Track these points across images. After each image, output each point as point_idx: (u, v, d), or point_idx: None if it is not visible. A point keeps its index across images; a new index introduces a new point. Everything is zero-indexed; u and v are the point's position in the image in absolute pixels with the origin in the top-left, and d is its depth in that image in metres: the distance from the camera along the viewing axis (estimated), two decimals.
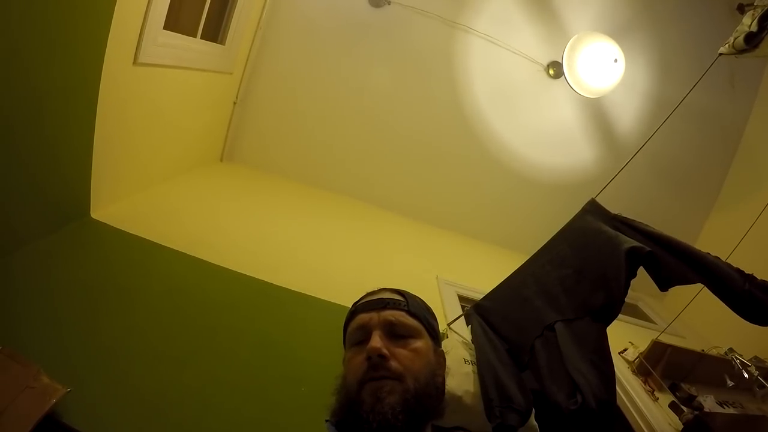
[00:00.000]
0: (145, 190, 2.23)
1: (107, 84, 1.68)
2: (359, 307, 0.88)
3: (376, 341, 0.77)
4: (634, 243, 1.38)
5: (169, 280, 1.70)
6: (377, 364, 0.75)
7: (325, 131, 3.16)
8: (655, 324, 2.85)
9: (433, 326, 0.88)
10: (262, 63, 3.02)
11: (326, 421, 0.76)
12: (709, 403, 1.90)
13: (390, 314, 0.83)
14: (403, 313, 0.84)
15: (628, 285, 1.35)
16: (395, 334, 0.81)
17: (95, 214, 1.87)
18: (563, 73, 2.65)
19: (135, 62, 1.82)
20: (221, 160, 3.14)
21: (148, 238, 1.85)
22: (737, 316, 1.32)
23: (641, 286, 2.96)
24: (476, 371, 1.30)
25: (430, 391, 0.76)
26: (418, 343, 0.80)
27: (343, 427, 0.74)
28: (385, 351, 0.76)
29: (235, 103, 3.02)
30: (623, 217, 1.52)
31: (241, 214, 2.49)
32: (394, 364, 0.75)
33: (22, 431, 0.94)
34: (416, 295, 0.93)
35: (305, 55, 3.02)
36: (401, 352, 0.78)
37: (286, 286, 1.86)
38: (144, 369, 1.29)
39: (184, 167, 2.63)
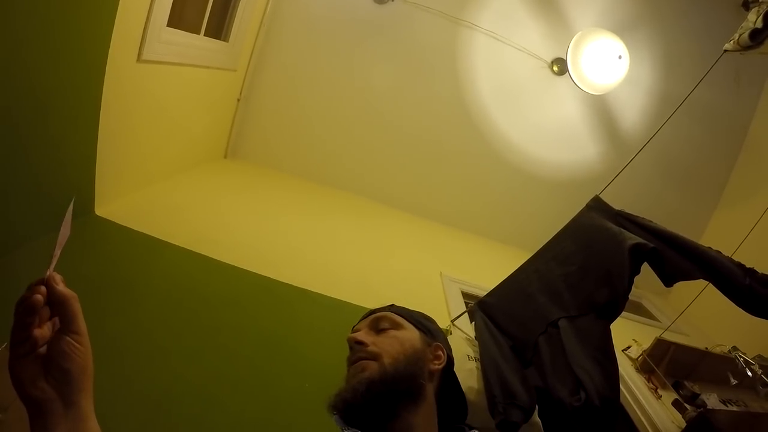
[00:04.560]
0: (150, 186, 2.24)
1: (111, 81, 1.68)
2: (354, 325, 0.96)
3: (358, 334, 0.87)
4: (638, 239, 1.38)
5: (173, 277, 1.70)
6: (356, 349, 0.84)
7: (328, 128, 3.16)
8: (659, 321, 2.85)
9: (423, 323, 0.93)
10: (265, 60, 3.02)
11: (333, 414, 0.77)
12: (712, 401, 1.90)
13: (374, 315, 0.92)
14: (387, 312, 0.92)
15: (631, 281, 1.35)
16: (379, 328, 0.88)
17: (99, 211, 1.87)
18: (567, 70, 2.64)
19: (139, 59, 1.82)
20: (225, 157, 3.14)
21: (152, 234, 1.85)
22: (741, 314, 1.32)
23: (645, 284, 2.96)
24: (480, 368, 1.31)
25: (408, 373, 0.80)
26: (400, 332, 0.87)
27: (347, 416, 0.76)
28: (362, 338, 0.85)
29: (238, 99, 3.02)
30: (627, 214, 1.52)
31: (245, 210, 2.49)
32: (371, 347, 0.83)
33: (26, 427, 0.96)
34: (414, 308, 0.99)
35: (309, 52, 3.02)
36: (381, 338, 0.85)
37: (290, 283, 1.86)
38: (148, 365, 1.30)
39: (188, 164, 2.64)
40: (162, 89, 2.11)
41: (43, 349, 0.50)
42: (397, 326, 0.88)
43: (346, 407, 0.76)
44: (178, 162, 2.54)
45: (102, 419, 0.53)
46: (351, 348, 0.86)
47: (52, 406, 0.49)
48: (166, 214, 2.08)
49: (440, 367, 0.87)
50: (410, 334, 0.87)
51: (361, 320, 0.95)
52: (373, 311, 0.95)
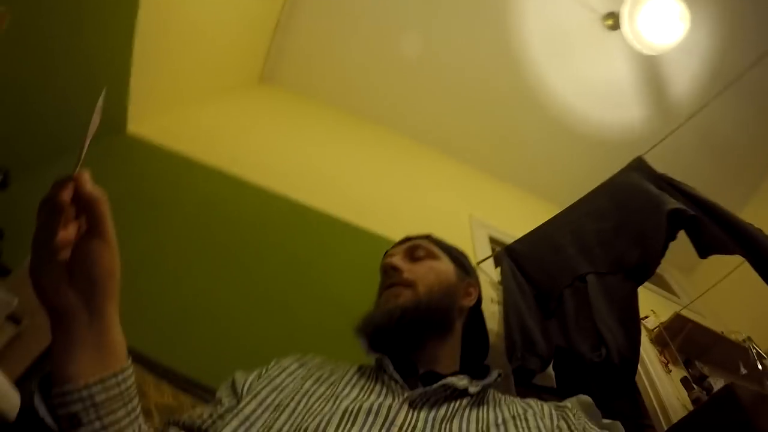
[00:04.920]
0: (183, 108, 2.20)
1: None
2: (389, 249, 0.92)
3: (394, 258, 0.84)
4: (678, 205, 1.33)
5: (202, 197, 1.71)
6: (391, 275, 0.81)
7: (369, 60, 3.02)
8: (679, 297, 2.82)
9: (458, 258, 0.90)
10: None
11: (361, 338, 0.77)
12: (719, 386, 1.88)
13: (411, 243, 0.88)
14: (424, 241, 0.88)
15: (666, 246, 1.32)
16: (415, 256, 0.85)
17: (131, 129, 1.87)
18: (622, 25, 2.49)
19: None
20: (260, 82, 3.06)
21: (183, 154, 1.85)
22: (759, 306, 1.29)
23: (671, 258, 2.88)
24: (501, 312, 1.30)
25: (442, 306, 0.78)
26: (436, 263, 0.84)
27: (374, 341, 0.76)
28: (398, 264, 0.82)
29: (277, 23, 2.90)
30: (669, 178, 1.46)
31: (278, 136, 2.45)
32: (407, 274, 0.80)
33: (47, 336, 0.99)
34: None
35: None
36: (417, 266, 0.82)
37: (319, 209, 1.86)
38: (172, 283, 1.33)
39: (222, 87, 2.59)
40: (198, 8, 2.04)
41: (67, 253, 0.46)
42: (433, 257, 0.86)
43: (375, 331, 0.75)
44: (212, 85, 2.49)
45: (124, 334, 0.51)
46: (385, 272, 0.84)
47: (76, 314, 0.46)
48: (199, 136, 2.07)
49: (471, 304, 0.85)
50: (446, 267, 0.85)
51: (396, 245, 0.91)
52: (409, 238, 0.91)
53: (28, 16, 1.24)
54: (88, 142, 0.48)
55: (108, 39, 1.59)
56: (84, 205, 0.46)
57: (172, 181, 1.74)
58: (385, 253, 0.92)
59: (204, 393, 1.03)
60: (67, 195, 0.44)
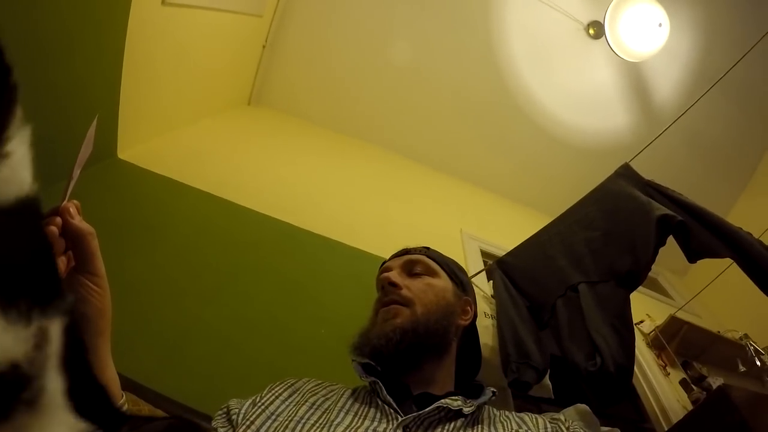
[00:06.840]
0: (173, 131, 2.22)
1: (135, 23, 1.64)
2: (385, 261, 0.91)
3: (391, 274, 0.81)
4: (666, 211, 1.34)
5: (194, 220, 1.71)
6: (389, 291, 0.79)
7: (354, 77, 3.08)
8: (673, 300, 2.82)
9: (457, 275, 0.88)
10: (292, 6, 2.92)
11: (354, 359, 0.77)
12: (718, 385, 1.89)
13: (410, 257, 0.86)
14: (423, 257, 0.86)
15: (656, 252, 1.32)
16: (413, 272, 0.83)
17: (122, 154, 1.88)
18: (604, 34, 2.53)
19: (164, 2, 1.78)
20: (249, 104, 3.10)
21: (174, 178, 1.86)
22: (754, 303, 1.30)
23: (663, 261, 2.91)
24: (495, 326, 1.31)
25: (440, 327, 0.76)
26: (434, 280, 0.82)
27: (369, 367, 0.75)
28: (396, 280, 0.79)
29: (264, 46, 2.94)
30: (656, 184, 1.48)
31: (267, 157, 2.47)
32: (404, 291, 0.78)
33: None
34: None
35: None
36: (415, 283, 0.80)
37: (310, 230, 1.86)
38: (167, 306, 1.32)
39: (211, 110, 2.61)
40: (187, 33, 2.06)
41: None
42: (431, 273, 0.83)
43: (373, 353, 0.73)
44: (202, 107, 2.51)
45: (118, 358, 0.50)
46: (383, 288, 0.81)
47: None
48: (189, 159, 2.08)
49: (467, 323, 0.84)
50: (444, 284, 0.82)
51: (393, 257, 0.89)
52: (407, 250, 0.88)
53: (16, 45, 1.24)
54: (78, 171, 0.46)
55: (97, 65, 1.60)
56: (72, 240, 0.44)
57: (164, 205, 1.74)
58: (382, 264, 0.90)
59: (201, 421, 1.02)
60: (54, 228, 0.42)
